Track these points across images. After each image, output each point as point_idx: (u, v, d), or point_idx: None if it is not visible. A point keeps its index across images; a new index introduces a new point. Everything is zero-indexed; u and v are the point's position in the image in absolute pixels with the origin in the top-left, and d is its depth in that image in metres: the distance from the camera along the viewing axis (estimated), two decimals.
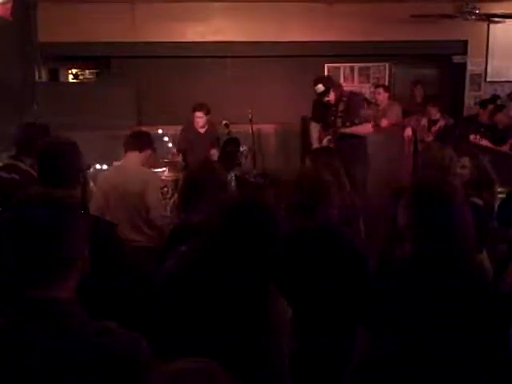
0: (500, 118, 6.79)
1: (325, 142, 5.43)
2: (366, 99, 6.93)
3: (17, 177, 3.54)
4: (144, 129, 5.07)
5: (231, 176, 4.12)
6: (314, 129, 5.71)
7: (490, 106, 6.97)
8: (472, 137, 6.58)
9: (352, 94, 5.73)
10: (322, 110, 5.53)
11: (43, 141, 2.59)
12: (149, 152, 3.89)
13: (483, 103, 7.01)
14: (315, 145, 5.55)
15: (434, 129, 7.12)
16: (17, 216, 1.39)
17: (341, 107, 5.39)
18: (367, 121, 5.48)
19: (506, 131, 6.65)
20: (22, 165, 3.63)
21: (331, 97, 5.39)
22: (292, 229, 2.38)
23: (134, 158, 3.80)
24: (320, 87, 5.35)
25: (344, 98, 5.43)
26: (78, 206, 1.50)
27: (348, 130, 5.34)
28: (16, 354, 1.30)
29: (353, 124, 5.32)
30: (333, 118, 5.42)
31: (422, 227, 1.83)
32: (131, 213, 3.64)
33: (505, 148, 6.32)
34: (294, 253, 2.30)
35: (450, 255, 1.79)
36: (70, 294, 1.41)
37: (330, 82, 5.48)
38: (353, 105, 5.40)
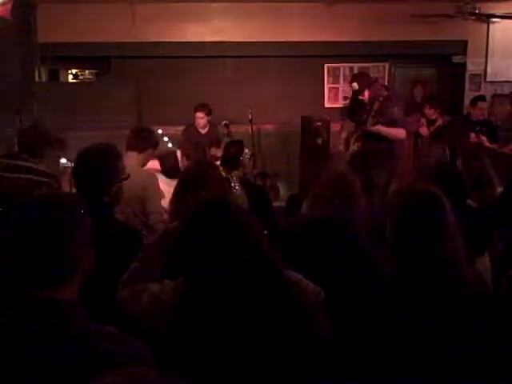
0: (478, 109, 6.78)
1: (352, 143, 5.23)
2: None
3: (21, 176, 3.55)
4: None
5: (234, 177, 4.07)
6: (346, 128, 5.50)
7: (480, 103, 6.94)
8: (473, 136, 6.56)
9: (390, 95, 5.61)
10: (356, 107, 5.44)
11: (81, 150, 2.53)
12: (150, 152, 3.80)
13: (473, 101, 7.01)
14: (340, 146, 5.41)
15: (432, 128, 7.13)
16: (18, 218, 1.39)
17: (375, 106, 5.19)
18: (394, 122, 5.13)
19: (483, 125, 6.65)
20: (25, 163, 3.64)
21: (365, 95, 5.28)
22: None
23: (133, 159, 3.69)
24: (355, 85, 5.30)
25: (380, 98, 5.27)
26: (81, 206, 1.48)
27: (374, 129, 5.11)
28: (15, 354, 1.30)
29: (378, 123, 5.10)
30: (365, 116, 5.24)
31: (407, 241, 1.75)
32: (129, 215, 3.60)
33: (507, 149, 6.31)
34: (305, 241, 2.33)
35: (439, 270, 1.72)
36: (72, 296, 1.40)
37: (366, 82, 5.33)
38: (386, 105, 5.20)
